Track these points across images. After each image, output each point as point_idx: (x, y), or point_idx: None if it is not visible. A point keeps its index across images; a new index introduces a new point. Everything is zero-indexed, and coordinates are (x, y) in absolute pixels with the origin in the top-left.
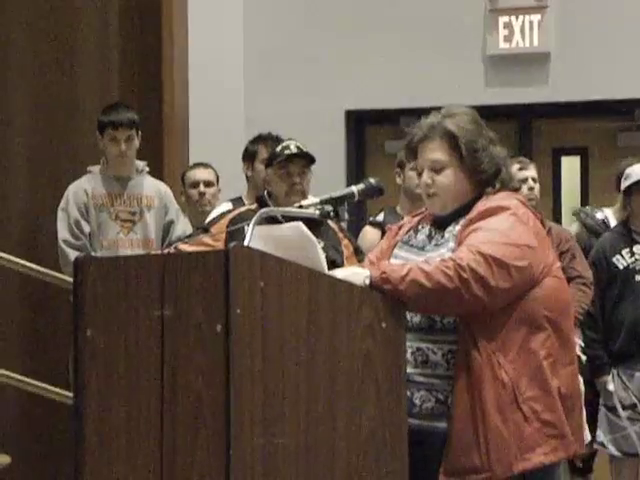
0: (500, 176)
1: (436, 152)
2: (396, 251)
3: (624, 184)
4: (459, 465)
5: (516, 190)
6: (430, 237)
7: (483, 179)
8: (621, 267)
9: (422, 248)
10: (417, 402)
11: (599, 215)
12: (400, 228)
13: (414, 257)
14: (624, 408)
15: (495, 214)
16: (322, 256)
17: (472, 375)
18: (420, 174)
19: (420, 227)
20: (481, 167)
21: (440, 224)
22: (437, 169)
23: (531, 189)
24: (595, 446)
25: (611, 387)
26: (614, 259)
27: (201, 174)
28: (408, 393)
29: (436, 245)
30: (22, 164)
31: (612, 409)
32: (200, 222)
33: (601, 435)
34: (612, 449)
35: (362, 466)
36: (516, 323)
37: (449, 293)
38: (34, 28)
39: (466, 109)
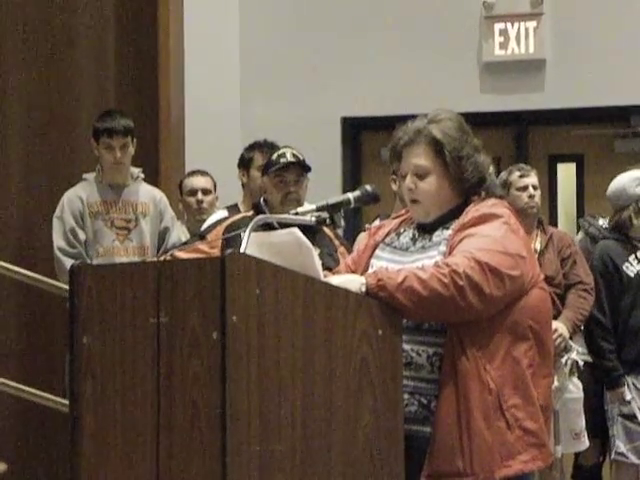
0: (485, 184)
1: (420, 157)
2: (378, 252)
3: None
4: (442, 469)
5: (501, 198)
6: (414, 239)
7: (466, 187)
8: (632, 274)
9: (406, 250)
10: None
11: (601, 222)
12: (379, 229)
13: (398, 258)
14: None
15: (488, 221)
16: (318, 262)
17: (459, 380)
18: (404, 177)
19: (402, 230)
20: (465, 175)
21: (425, 228)
22: (420, 175)
23: (531, 197)
24: (614, 457)
25: (628, 396)
26: (624, 267)
27: (198, 182)
28: None
29: (423, 248)
30: (17, 171)
31: (630, 417)
32: (198, 230)
33: (620, 446)
34: (633, 458)
35: (358, 473)
36: (502, 331)
37: (445, 301)
38: (29, 35)
39: (452, 114)
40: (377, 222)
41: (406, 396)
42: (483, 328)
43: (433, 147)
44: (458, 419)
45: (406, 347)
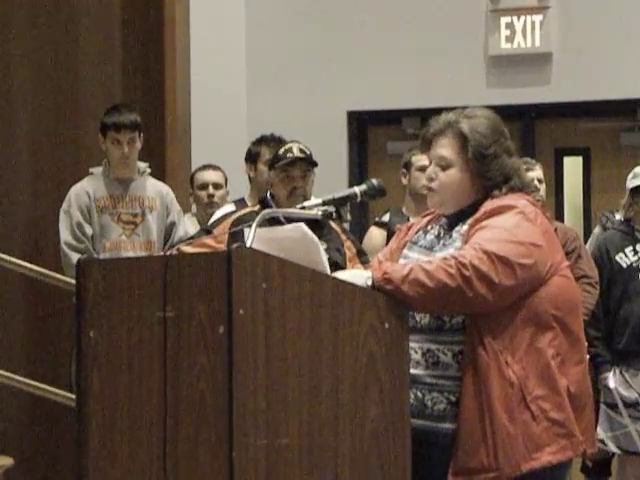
0: (509, 184)
1: (445, 149)
2: (405, 252)
3: (633, 183)
4: (467, 465)
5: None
6: (439, 237)
7: (487, 185)
8: (624, 265)
9: (431, 249)
10: (429, 404)
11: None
12: (410, 228)
13: (423, 257)
14: (626, 406)
15: (501, 213)
16: (324, 257)
17: (479, 374)
18: (431, 164)
19: (429, 227)
20: (487, 174)
21: (449, 224)
22: (443, 165)
23: (536, 190)
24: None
25: (612, 384)
26: (617, 257)
27: (210, 176)
28: (419, 394)
29: (444, 245)
30: (25, 166)
31: (613, 406)
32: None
33: (601, 432)
34: (612, 446)
35: (365, 465)
36: (523, 322)
37: (452, 291)
38: (36, 30)
39: (489, 113)
40: (387, 216)
41: (435, 394)
42: (503, 322)
43: (459, 141)
44: (481, 415)
45: (432, 347)
